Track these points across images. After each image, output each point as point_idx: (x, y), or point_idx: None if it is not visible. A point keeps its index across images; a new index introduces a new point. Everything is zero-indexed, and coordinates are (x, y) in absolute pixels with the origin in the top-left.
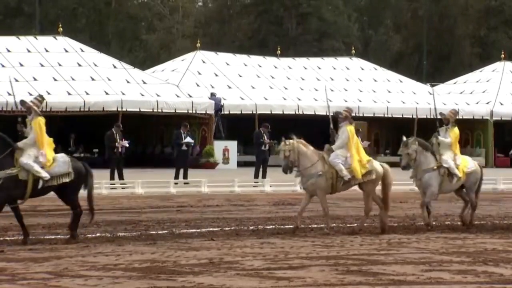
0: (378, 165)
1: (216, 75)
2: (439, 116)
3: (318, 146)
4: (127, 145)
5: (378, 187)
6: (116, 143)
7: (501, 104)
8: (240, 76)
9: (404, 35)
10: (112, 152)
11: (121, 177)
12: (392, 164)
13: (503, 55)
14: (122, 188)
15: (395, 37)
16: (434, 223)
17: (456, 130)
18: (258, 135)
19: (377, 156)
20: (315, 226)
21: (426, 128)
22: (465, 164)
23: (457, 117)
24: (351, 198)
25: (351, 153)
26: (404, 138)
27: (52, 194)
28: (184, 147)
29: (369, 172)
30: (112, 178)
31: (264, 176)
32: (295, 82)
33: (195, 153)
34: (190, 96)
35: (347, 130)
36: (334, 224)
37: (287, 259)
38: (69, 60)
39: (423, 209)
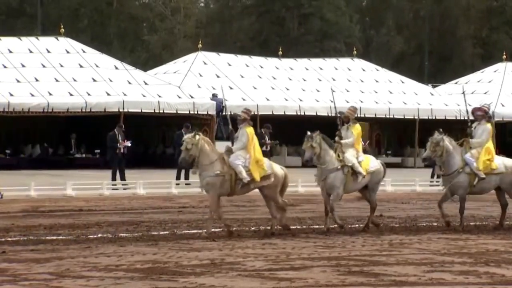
0: (278, 168)
1: (218, 76)
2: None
3: None
4: (130, 145)
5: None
6: (118, 144)
7: (503, 105)
8: (242, 77)
9: (405, 35)
10: (114, 152)
11: (122, 177)
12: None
13: (504, 56)
14: (124, 189)
15: (397, 38)
16: (435, 223)
17: (357, 127)
18: (259, 136)
19: (379, 157)
20: (317, 226)
21: (428, 128)
22: (368, 162)
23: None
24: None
25: (251, 155)
26: (308, 133)
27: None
28: None
29: (268, 176)
30: (113, 178)
31: None
32: (296, 83)
33: None
34: (192, 97)
35: (247, 132)
36: (335, 225)
37: (288, 260)
38: (71, 60)
39: (333, 214)
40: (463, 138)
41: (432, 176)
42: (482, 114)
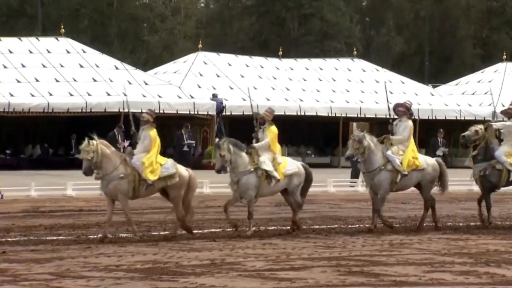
0: (183, 169)
1: (218, 76)
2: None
3: (319, 147)
4: (127, 145)
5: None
6: (118, 144)
7: (503, 105)
8: (242, 77)
9: (406, 36)
10: None
11: None
12: None
13: (505, 56)
14: None
15: (397, 38)
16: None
17: (273, 129)
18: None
19: None
20: (317, 227)
21: (428, 129)
22: (285, 165)
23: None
24: (353, 199)
25: (149, 156)
26: (217, 140)
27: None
28: (185, 148)
29: (172, 176)
30: None
31: None
32: (297, 83)
33: (197, 154)
34: (192, 97)
35: (150, 135)
36: (335, 225)
37: (289, 260)
38: (71, 61)
39: (250, 221)
40: (383, 135)
41: (352, 177)
42: (403, 110)
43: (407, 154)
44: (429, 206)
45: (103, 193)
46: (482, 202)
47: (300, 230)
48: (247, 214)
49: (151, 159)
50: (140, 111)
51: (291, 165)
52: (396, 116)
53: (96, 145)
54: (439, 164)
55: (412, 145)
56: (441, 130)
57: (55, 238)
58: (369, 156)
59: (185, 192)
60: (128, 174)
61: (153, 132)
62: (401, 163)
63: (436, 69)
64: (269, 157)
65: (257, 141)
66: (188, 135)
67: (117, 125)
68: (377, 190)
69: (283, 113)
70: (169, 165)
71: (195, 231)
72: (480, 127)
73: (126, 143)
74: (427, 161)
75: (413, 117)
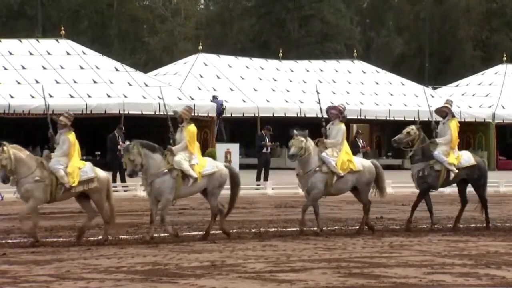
0: (102, 173)
1: (218, 78)
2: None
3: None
4: None
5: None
6: (119, 146)
7: (503, 107)
8: (242, 78)
9: (406, 37)
10: (114, 154)
11: (123, 179)
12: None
13: (505, 58)
14: (124, 191)
15: (397, 40)
16: (436, 226)
17: (190, 128)
18: (260, 137)
19: (379, 159)
20: (317, 228)
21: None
22: (203, 165)
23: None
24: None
25: (71, 161)
26: (127, 142)
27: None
28: None
29: (91, 180)
30: (114, 180)
31: (266, 179)
32: (297, 84)
33: None
34: (192, 99)
35: (68, 139)
36: (335, 227)
37: (289, 262)
38: (71, 62)
39: (165, 223)
40: (317, 139)
41: None
42: (336, 113)
43: (341, 156)
44: (368, 209)
45: (20, 197)
46: (436, 206)
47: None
48: (159, 218)
49: (73, 164)
50: (140, 112)
51: (210, 166)
52: (350, 117)
53: (8, 151)
54: (375, 166)
55: (346, 148)
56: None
57: (55, 240)
58: (307, 158)
59: (107, 195)
60: (44, 177)
61: (72, 136)
62: (336, 165)
63: (436, 70)
64: (185, 157)
65: (174, 142)
66: None
67: (117, 126)
68: (310, 192)
69: (283, 115)
70: (88, 169)
71: (195, 233)
72: (412, 128)
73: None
74: (362, 164)
75: (345, 120)
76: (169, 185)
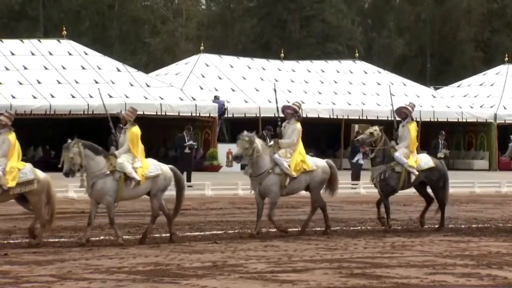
0: (42, 174)
1: (220, 78)
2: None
3: (321, 149)
4: None
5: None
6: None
7: (505, 108)
8: (244, 79)
9: (407, 38)
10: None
11: None
12: None
13: (506, 58)
14: None
15: (398, 40)
16: (437, 226)
17: (134, 130)
18: (261, 138)
19: None
20: (319, 229)
21: (430, 131)
22: (147, 167)
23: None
24: (355, 201)
25: (10, 162)
26: (69, 140)
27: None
28: (187, 150)
29: (30, 182)
30: None
31: None
32: (298, 85)
33: (199, 156)
34: (194, 99)
35: (8, 139)
36: (337, 228)
37: (290, 262)
38: (73, 63)
39: (113, 225)
40: (273, 139)
41: (353, 179)
42: (291, 112)
43: (294, 157)
44: (317, 207)
45: None
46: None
47: (173, 237)
48: (108, 220)
49: (12, 165)
50: (142, 113)
51: (154, 168)
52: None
53: None
54: (330, 166)
55: (300, 148)
56: (443, 132)
57: (57, 240)
58: (257, 160)
59: (47, 200)
60: None
61: (12, 136)
62: (289, 166)
63: (438, 71)
64: (129, 159)
65: (117, 144)
66: (190, 137)
67: (117, 125)
68: (265, 195)
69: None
70: (28, 170)
71: (196, 233)
72: (375, 128)
73: None
74: (316, 163)
75: (301, 119)
76: (111, 187)
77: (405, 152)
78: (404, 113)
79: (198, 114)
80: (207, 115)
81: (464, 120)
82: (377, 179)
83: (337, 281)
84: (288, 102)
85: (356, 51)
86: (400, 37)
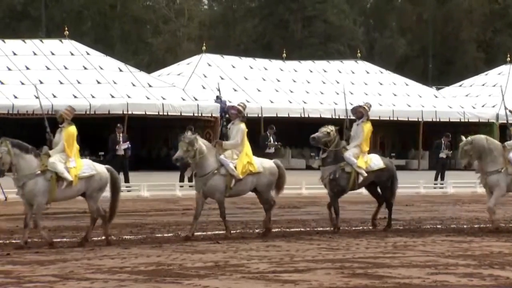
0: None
1: (222, 78)
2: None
3: (321, 149)
4: (127, 147)
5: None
6: (117, 146)
7: (507, 108)
8: (246, 79)
9: (409, 38)
10: (113, 154)
11: (126, 180)
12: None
13: (508, 58)
14: (128, 191)
15: (400, 41)
16: (439, 226)
17: (70, 129)
18: (264, 138)
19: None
20: (321, 229)
21: (432, 131)
22: (80, 168)
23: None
24: (357, 201)
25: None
26: (127, 143)
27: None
28: None
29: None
30: None
31: None
32: (300, 85)
33: None
34: (196, 99)
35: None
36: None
37: (292, 262)
38: (75, 63)
39: (39, 228)
40: (215, 140)
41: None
42: (235, 113)
43: (241, 158)
44: (270, 208)
45: None
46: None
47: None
48: (32, 222)
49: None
50: (144, 113)
51: (88, 168)
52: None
53: None
54: (277, 166)
55: (246, 149)
56: (449, 134)
57: (59, 240)
58: (201, 161)
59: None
60: None
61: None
62: (235, 168)
63: (440, 71)
64: (61, 159)
65: (51, 143)
66: None
67: (116, 126)
68: (210, 196)
69: (286, 115)
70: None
71: (197, 233)
72: (331, 128)
73: (124, 145)
74: (263, 165)
75: (245, 120)
76: (41, 188)
77: (356, 152)
78: (360, 112)
79: (200, 114)
80: (209, 115)
81: (466, 120)
82: (327, 179)
83: (339, 281)
84: (291, 102)
85: (358, 51)
86: (402, 37)
